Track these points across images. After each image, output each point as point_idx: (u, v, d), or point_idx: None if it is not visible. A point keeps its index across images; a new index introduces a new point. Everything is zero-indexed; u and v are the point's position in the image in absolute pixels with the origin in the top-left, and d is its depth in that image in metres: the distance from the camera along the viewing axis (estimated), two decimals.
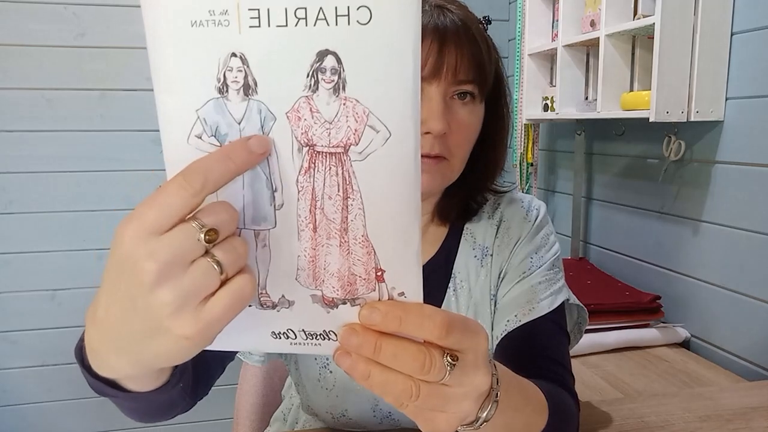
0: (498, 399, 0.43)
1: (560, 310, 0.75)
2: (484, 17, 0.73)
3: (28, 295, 1.95)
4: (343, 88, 0.33)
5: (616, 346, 1.30)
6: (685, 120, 1.22)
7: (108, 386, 0.45)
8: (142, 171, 1.97)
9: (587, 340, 1.27)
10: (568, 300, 0.76)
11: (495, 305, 0.76)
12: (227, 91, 0.34)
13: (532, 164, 1.93)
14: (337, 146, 0.34)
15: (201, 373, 0.60)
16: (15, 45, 1.84)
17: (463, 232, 0.78)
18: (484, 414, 0.43)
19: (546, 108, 1.71)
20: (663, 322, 1.37)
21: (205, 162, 0.33)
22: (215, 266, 0.33)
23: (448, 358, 0.37)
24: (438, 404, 0.38)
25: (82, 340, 0.45)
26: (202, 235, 0.32)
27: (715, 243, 1.27)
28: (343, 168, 0.35)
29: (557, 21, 1.59)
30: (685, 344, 1.35)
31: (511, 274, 0.76)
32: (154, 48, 0.34)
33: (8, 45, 1.84)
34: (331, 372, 0.75)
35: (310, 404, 0.79)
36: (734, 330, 1.23)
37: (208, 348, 0.37)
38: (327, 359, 0.75)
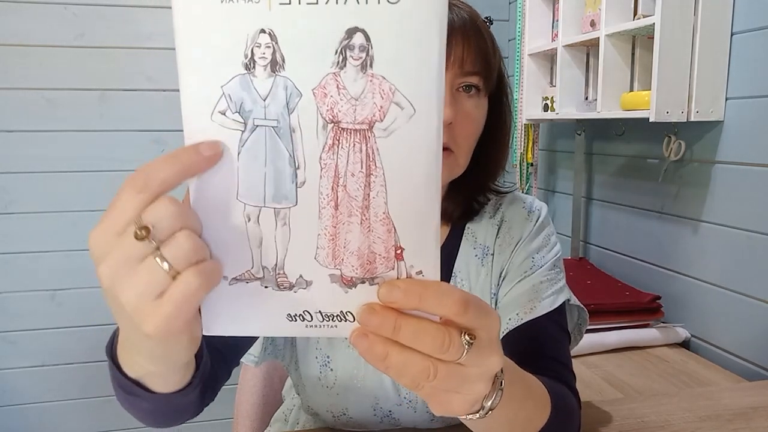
0: (503, 387, 0.43)
1: (561, 310, 0.75)
2: (486, 17, 0.73)
3: (28, 295, 1.95)
4: (371, 65, 0.34)
5: (616, 346, 1.30)
6: (685, 120, 1.22)
7: (135, 386, 0.46)
8: None
9: (587, 340, 1.27)
10: (568, 300, 0.76)
11: (496, 305, 0.76)
12: (254, 67, 0.34)
13: (532, 164, 1.93)
14: (362, 123, 0.35)
15: (207, 379, 0.60)
16: (15, 45, 1.84)
17: (465, 231, 0.78)
18: (490, 402, 0.43)
19: (546, 108, 1.71)
20: (663, 322, 1.37)
21: (151, 162, 0.34)
22: (162, 264, 0.33)
23: (466, 336, 0.37)
24: (454, 385, 0.38)
25: (112, 339, 0.48)
26: (134, 233, 0.33)
27: (715, 243, 1.27)
28: (367, 145, 0.35)
29: (557, 21, 1.59)
30: (685, 344, 1.35)
31: (512, 273, 0.76)
32: (181, 24, 0.34)
33: (8, 45, 1.84)
34: (332, 370, 0.75)
35: (310, 404, 0.79)
36: (734, 330, 1.23)
37: (222, 335, 0.37)
38: (328, 357, 0.75)
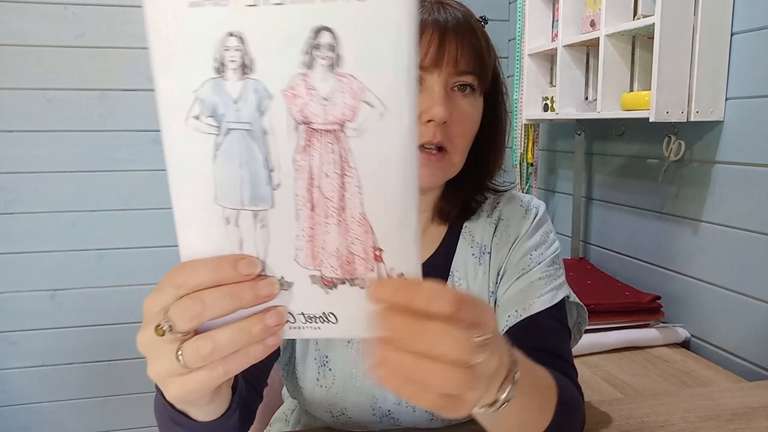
0: (516, 380, 0.43)
1: (561, 306, 0.75)
2: (481, 17, 0.73)
3: (28, 295, 1.95)
4: (339, 65, 0.33)
5: (616, 346, 1.30)
6: (685, 120, 1.22)
7: (182, 416, 0.49)
8: (142, 171, 1.97)
9: (587, 340, 1.27)
10: (568, 297, 0.76)
11: (495, 303, 0.76)
12: (224, 70, 0.34)
13: (532, 164, 1.93)
14: (333, 123, 0.35)
15: (243, 404, 0.60)
16: (15, 45, 1.84)
17: (462, 230, 0.78)
18: (504, 395, 0.42)
19: (546, 108, 1.71)
20: (663, 322, 1.37)
21: (192, 264, 0.37)
22: (178, 358, 0.37)
23: (478, 338, 0.36)
24: (467, 388, 0.37)
25: None
26: (154, 327, 0.37)
27: (715, 243, 1.27)
28: (339, 145, 0.35)
29: (557, 21, 1.59)
30: (685, 344, 1.35)
31: (510, 271, 0.76)
32: (152, 29, 0.34)
33: (8, 45, 1.84)
34: (330, 370, 0.75)
35: (308, 408, 0.79)
36: (734, 330, 1.23)
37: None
38: (326, 357, 0.75)
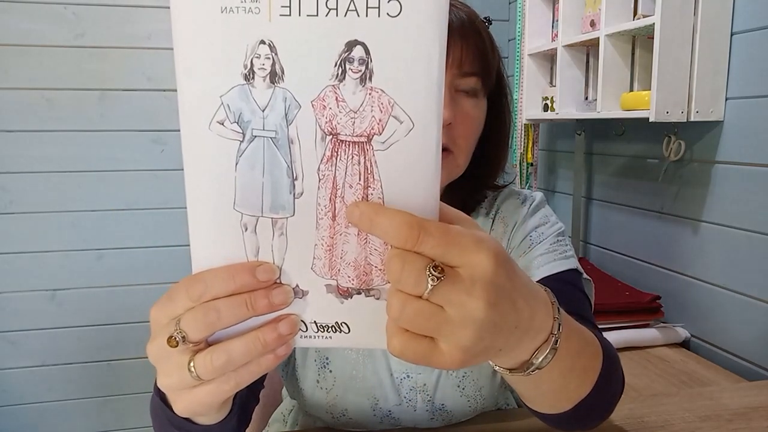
0: (557, 346, 0.41)
1: (572, 274, 0.73)
2: (485, 17, 0.73)
3: (28, 295, 1.95)
4: (370, 79, 0.34)
5: (616, 346, 1.28)
6: (685, 120, 1.22)
7: (185, 421, 0.49)
8: (142, 171, 1.97)
9: None
10: (581, 275, 0.75)
11: None
12: (253, 78, 0.34)
13: (532, 164, 1.93)
14: (361, 135, 0.35)
15: (241, 406, 0.60)
16: (15, 45, 1.84)
17: None
18: (539, 360, 0.41)
19: (546, 108, 1.71)
20: (663, 322, 1.37)
21: (209, 275, 0.36)
22: (190, 370, 0.37)
23: (431, 269, 0.33)
24: (428, 326, 0.34)
25: None
26: (167, 339, 0.37)
27: (715, 243, 1.27)
28: (365, 157, 0.35)
29: (557, 21, 1.59)
30: (685, 344, 1.35)
31: (512, 254, 0.75)
32: (180, 32, 0.34)
33: (8, 45, 1.84)
34: (330, 371, 0.74)
35: (308, 408, 0.79)
36: (734, 330, 1.23)
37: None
38: (326, 359, 0.75)
